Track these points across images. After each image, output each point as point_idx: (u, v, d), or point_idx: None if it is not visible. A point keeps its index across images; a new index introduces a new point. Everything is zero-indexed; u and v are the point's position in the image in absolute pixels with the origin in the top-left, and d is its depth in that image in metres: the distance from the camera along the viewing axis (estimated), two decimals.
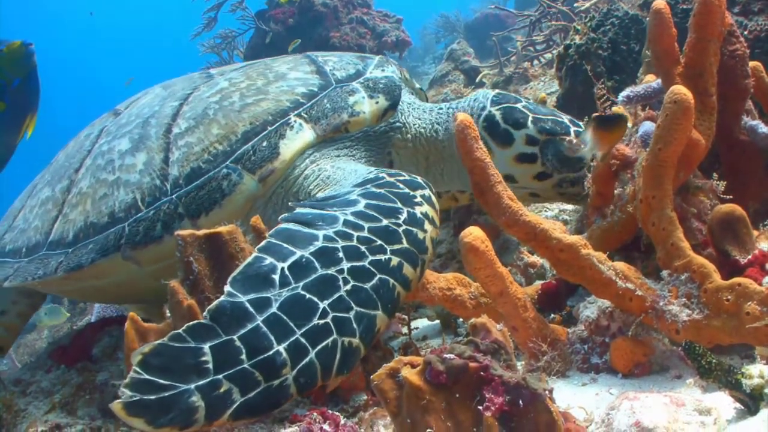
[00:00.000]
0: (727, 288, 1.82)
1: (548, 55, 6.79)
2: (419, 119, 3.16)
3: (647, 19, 2.32)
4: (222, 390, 1.59)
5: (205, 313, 1.73)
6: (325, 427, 1.68)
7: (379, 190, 2.27)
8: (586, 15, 4.37)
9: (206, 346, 1.65)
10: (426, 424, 1.36)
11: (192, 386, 1.56)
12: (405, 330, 2.63)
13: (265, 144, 2.74)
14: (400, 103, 3.07)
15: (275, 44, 8.65)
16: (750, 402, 1.53)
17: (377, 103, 2.94)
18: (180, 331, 1.67)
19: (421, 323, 3.05)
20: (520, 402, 1.34)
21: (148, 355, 1.59)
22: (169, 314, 2.00)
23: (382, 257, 2.01)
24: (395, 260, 2.02)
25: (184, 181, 2.75)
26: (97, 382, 2.78)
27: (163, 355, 1.61)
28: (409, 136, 3.12)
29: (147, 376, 1.55)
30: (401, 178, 2.38)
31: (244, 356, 1.66)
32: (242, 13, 8.93)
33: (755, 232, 2.07)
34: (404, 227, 2.11)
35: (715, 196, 2.18)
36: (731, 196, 2.12)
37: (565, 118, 2.90)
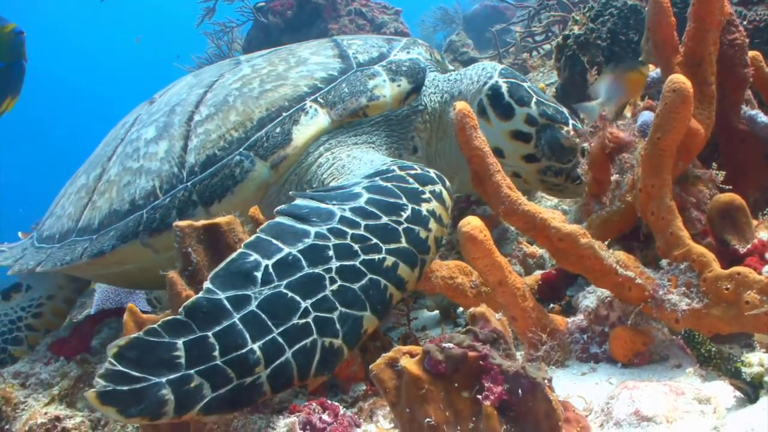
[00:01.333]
0: (726, 277, 1.81)
1: (547, 46, 6.78)
2: (435, 93, 3.05)
3: (646, 8, 2.31)
4: (193, 385, 1.59)
5: (180, 309, 1.72)
6: (324, 417, 1.67)
7: (385, 184, 2.20)
8: (585, 5, 4.35)
9: (180, 342, 1.64)
10: (425, 414, 1.36)
11: (163, 380, 1.57)
12: (404, 321, 2.63)
13: (278, 130, 2.71)
14: (425, 85, 2.98)
15: (273, 37, 8.63)
16: (750, 390, 1.53)
17: (399, 86, 2.87)
18: (155, 326, 1.67)
19: (420, 314, 3.05)
20: (519, 391, 1.34)
21: (123, 348, 1.60)
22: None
23: (376, 257, 1.95)
24: (390, 260, 1.96)
25: (200, 168, 2.75)
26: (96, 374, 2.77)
27: (138, 348, 1.61)
28: (427, 116, 3.02)
29: (121, 368, 1.56)
30: (412, 172, 2.29)
31: (217, 353, 1.65)
32: (241, 4, 8.91)
33: (755, 222, 2.07)
34: (405, 225, 2.05)
35: (715, 185, 2.17)
36: (730, 186, 2.11)
37: (566, 111, 2.89)
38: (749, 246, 2.00)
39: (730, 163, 2.36)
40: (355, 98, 2.79)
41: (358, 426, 1.72)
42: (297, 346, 1.73)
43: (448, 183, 2.30)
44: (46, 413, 2.63)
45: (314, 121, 2.73)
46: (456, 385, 1.37)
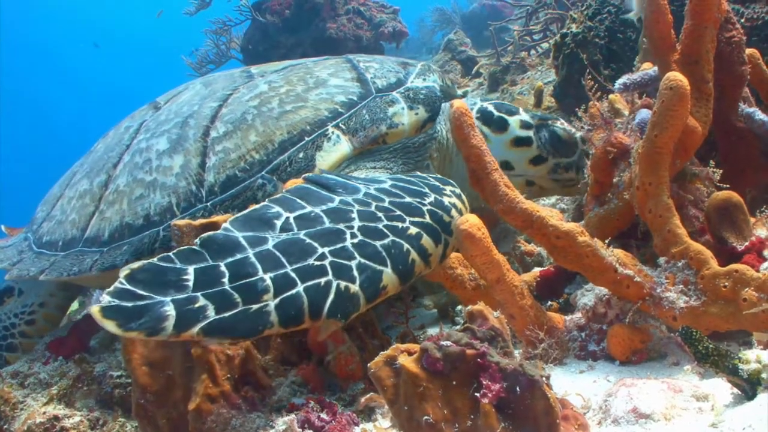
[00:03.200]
0: (724, 274, 1.82)
1: (545, 45, 6.77)
2: (444, 120, 3.12)
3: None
4: (196, 305, 1.58)
5: (196, 240, 1.73)
6: (323, 415, 1.68)
7: (408, 178, 2.26)
8: (583, 4, 4.35)
9: (190, 268, 1.66)
10: (423, 412, 1.36)
11: (167, 298, 1.57)
12: (402, 319, 2.63)
13: (301, 155, 2.72)
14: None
15: (271, 36, 8.63)
16: (747, 387, 1.53)
17: (417, 114, 2.91)
18: (170, 253, 1.69)
19: (419, 312, 3.04)
20: (517, 389, 1.34)
21: (135, 270, 1.62)
22: None
23: (399, 224, 1.96)
24: (414, 229, 1.96)
25: (219, 188, 2.74)
26: (95, 374, 2.77)
27: (149, 271, 1.63)
28: (438, 143, 3.08)
29: (129, 287, 1.57)
30: (433, 175, 2.37)
31: (226, 279, 1.65)
32: (239, 2, 8.89)
33: (752, 219, 2.07)
34: (429, 207, 2.07)
35: (712, 183, 2.18)
36: (728, 184, 2.12)
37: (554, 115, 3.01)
38: (747, 243, 2.00)
39: (727, 160, 2.36)
40: (375, 126, 2.81)
41: (357, 424, 1.72)
42: (310, 282, 1.71)
43: (464, 196, 2.33)
44: (44, 413, 2.62)
45: (337, 147, 2.75)
46: (454, 383, 1.37)
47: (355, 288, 1.76)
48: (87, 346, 3.09)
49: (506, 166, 2.91)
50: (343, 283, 1.74)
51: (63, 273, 3.00)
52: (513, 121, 2.98)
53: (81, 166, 3.51)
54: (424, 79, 3.10)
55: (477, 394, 1.34)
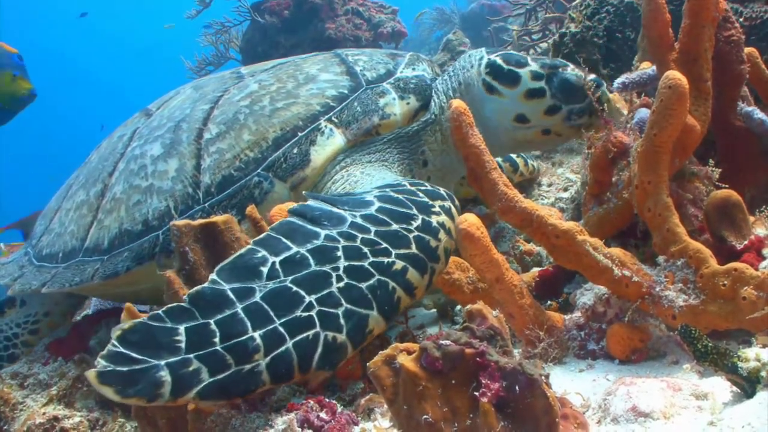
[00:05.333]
0: (723, 273, 1.82)
1: (544, 45, 6.77)
2: (437, 100, 3.08)
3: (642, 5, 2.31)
4: (191, 368, 1.59)
5: (185, 296, 1.73)
6: (322, 415, 1.67)
7: (396, 196, 2.23)
8: (582, 3, 4.35)
9: (181, 327, 1.66)
10: (422, 411, 1.36)
11: (162, 362, 1.58)
12: (402, 319, 2.63)
13: (295, 151, 2.72)
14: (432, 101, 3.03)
15: (271, 37, 8.62)
16: (746, 385, 1.53)
17: (408, 104, 2.91)
18: (160, 311, 1.69)
19: (418, 312, 3.04)
20: (517, 388, 1.34)
21: (126, 331, 1.62)
22: None
23: (385, 260, 1.95)
24: (399, 264, 1.96)
25: (216, 189, 2.75)
26: None
27: (140, 332, 1.64)
28: (434, 126, 3.05)
29: (122, 350, 1.58)
30: (422, 188, 2.32)
31: (217, 339, 1.66)
32: (238, 3, 8.88)
33: (751, 218, 2.07)
34: (415, 233, 2.05)
35: (711, 182, 2.18)
36: (727, 183, 2.12)
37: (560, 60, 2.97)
38: (746, 242, 2.00)
39: (726, 159, 2.36)
40: (368, 117, 2.81)
41: (356, 424, 1.72)
42: (298, 337, 1.72)
43: (456, 201, 2.32)
44: (44, 413, 2.63)
45: (330, 141, 2.75)
46: (453, 382, 1.37)
47: (342, 338, 1.78)
48: (87, 346, 3.10)
49: (521, 119, 2.85)
50: (330, 334, 1.76)
51: (65, 284, 3.00)
52: (524, 73, 2.86)
53: (77, 178, 3.51)
54: (414, 69, 3.09)
55: (476, 393, 1.33)
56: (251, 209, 2.21)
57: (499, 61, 2.91)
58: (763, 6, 3.15)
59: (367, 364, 1.46)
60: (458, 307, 2.69)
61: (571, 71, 2.82)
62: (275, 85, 2.99)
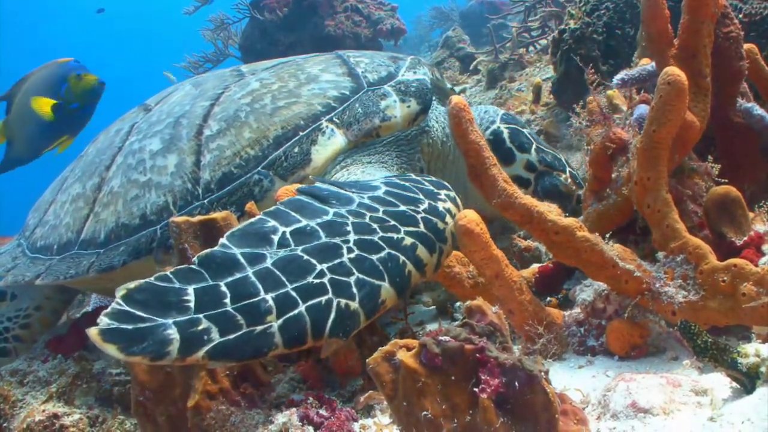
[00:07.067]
0: (723, 269, 1.82)
1: (543, 41, 6.76)
2: (436, 122, 3.15)
3: (641, 2, 2.31)
4: (200, 328, 1.54)
5: (194, 258, 1.70)
6: (322, 411, 1.68)
7: (403, 182, 2.24)
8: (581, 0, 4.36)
9: (190, 288, 1.62)
10: (422, 407, 1.36)
11: (170, 321, 1.53)
12: (401, 315, 2.63)
13: (296, 150, 2.73)
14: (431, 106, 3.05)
15: (270, 34, 8.61)
16: (746, 381, 1.53)
17: (409, 107, 2.92)
18: (167, 272, 1.65)
19: (417, 309, 3.05)
20: (516, 384, 1.34)
21: (132, 290, 1.57)
22: None
23: (395, 235, 1.95)
24: (409, 240, 1.95)
25: (216, 185, 2.75)
26: (94, 372, 2.79)
27: (147, 291, 1.59)
28: (431, 140, 3.09)
29: (128, 308, 1.53)
30: (428, 178, 2.34)
31: (228, 300, 1.62)
32: (237, 0, 8.87)
33: (751, 214, 2.07)
34: (423, 215, 2.05)
35: (710, 178, 2.18)
36: (726, 179, 2.12)
37: (563, 158, 3.00)
38: (745, 238, 2.00)
39: (726, 155, 2.36)
40: (369, 119, 2.83)
41: (356, 420, 1.73)
42: (311, 302, 1.69)
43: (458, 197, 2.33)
44: (44, 411, 2.63)
45: (332, 141, 2.77)
46: (453, 378, 1.37)
47: (355, 305, 1.74)
48: (86, 343, 3.09)
49: None
50: (343, 301, 1.73)
51: (59, 276, 3.00)
52: (520, 158, 2.99)
53: (72, 170, 3.50)
54: (415, 72, 3.10)
55: (476, 390, 1.33)
56: (251, 206, 2.21)
57: (505, 134, 3.03)
58: (762, 2, 3.15)
59: (367, 360, 1.45)
60: (458, 303, 2.70)
61: (565, 179, 2.85)
62: (277, 83, 3.00)
